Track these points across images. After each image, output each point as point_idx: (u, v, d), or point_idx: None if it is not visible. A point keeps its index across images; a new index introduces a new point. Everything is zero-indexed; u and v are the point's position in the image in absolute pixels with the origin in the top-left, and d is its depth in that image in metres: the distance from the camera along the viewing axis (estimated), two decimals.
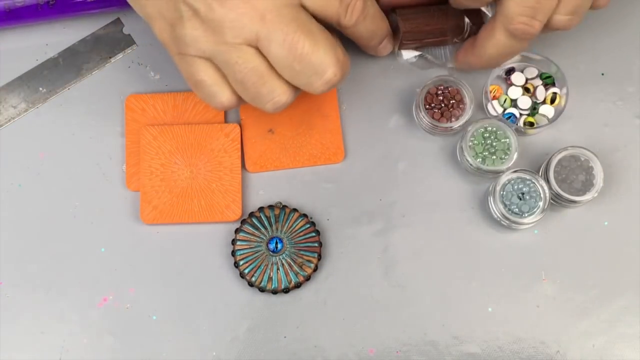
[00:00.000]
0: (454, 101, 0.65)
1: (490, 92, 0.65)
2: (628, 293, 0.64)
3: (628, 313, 0.63)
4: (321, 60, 0.53)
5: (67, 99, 0.67)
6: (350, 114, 0.67)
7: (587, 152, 0.63)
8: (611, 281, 0.64)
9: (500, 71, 0.66)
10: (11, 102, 0.67)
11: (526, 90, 0.66)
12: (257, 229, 0.64)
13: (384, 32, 0.61)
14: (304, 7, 0.54)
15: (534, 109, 0.66)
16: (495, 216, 0.63)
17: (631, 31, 0.68)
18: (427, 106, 0.65)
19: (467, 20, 0.63)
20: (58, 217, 0.65)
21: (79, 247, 0.64)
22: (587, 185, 0.63)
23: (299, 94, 0.57)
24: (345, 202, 0.65)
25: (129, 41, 0.68)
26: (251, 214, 0.64)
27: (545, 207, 0.62)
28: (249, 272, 0.63)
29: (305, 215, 0.64)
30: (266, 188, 0.66)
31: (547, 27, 0.57)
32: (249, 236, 0.64)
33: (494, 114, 0.65)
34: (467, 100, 0.65)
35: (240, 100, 0.57)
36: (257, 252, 0.63)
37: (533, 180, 0.63)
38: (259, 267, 0.63)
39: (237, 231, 0.64)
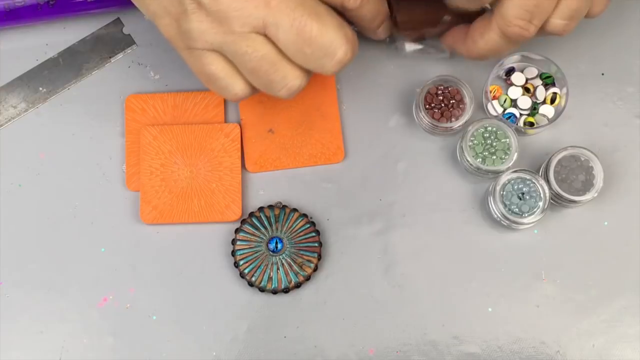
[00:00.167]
0: (454, 101, 0.65)
1: (490, 92, 0.65)
2: (628, 293, 0.64)
3: (628, 313, 0.63)
4: (331, 42, 0.53)
5: (67, 99, 0.67)
6: (350, 114, 0.67)
7: (587, 152, 0.63)
8: (611, 281, 0.64)
9: (500, 71, 0.66)
10: (11, 102, 0.67)
11: (526, 90, 0.66)
12: (257, 229, 0.64)
13: (385, 14, 0.61)
14: None
15: (534, 109, 0.66)
16: (495, 216, 0.63)
17: (631, 31, 0.68)
18: (427, 106, 0.65)
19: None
20: (58, 217, 0.65)
21: (79, 247, 0.64)
22: (587, 185, 0.63)
23: (312, 76, 0.56)
24: (345, 202, 0.65)
25: (129, 41, 0.68)
26: (251, 214, 0.64)
27: (545, 207, 0.62)
28: (249, 272, 0.63)
29: (305, 215, 0.64)
30: (266, 188, 0.66)
31: (542, 30, 0.57)
32: (249, 236, 0.64)
33: (494, 114, 0.65)
34: (467, 100, 0.65)
35: (254, 89, 0.56)
36: (257, 252, 0.63)
37: (533, 180, 0.63)
38: (259, 267, 0.63)
39: (237, 231, 0.64)
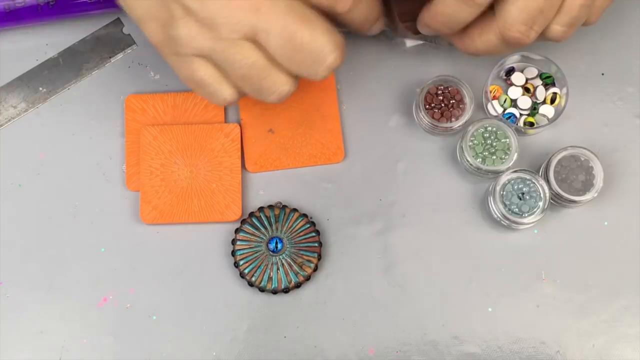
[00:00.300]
0: (454, 101, 0.65)
1: (490, 92, 0.65)
2: (628, 293, 0.64)
3: (628, 313, 0.63)
4: (322, 48, 0.52)
5: (67, 99, 0.67)
6: (350, 114, 0.67)
7: (587, 152, 0.63)
8: (611, 281, 0.64)
9: (500, 71, 0.66)
10: (11, 102, 0.67)
11: (526, 90, 0.66)
12: (257, 229, 0.64)
13: (377, 14, 0.59)
14: None
15: (534, 109, 0.66)
16: (495, 216, 0.63)
17: (631, 31, 0.68)
18: (427, 106, 0.65)
19: None
20: (58, 217, 0.65)
21: (79, 247, 0.64)
22: (587, 185, 0.63)
23: (300, 80, 0.56)
24: (345, 202, 0.65)
25: (129, 41, 0.68)
26: (251, 214, 0.64)
27: (545, 207, 0.62)
28: (249, 272, 0.63)
29: (305, 215, 0.64)
30: (266, 188, 0.66)
31: (541, 36, 0.57)
32: (249, 236, 0.64)
33: (494, 114, 0.65)
34: (467, 100, 0.65)
35: (242, 94, 0.56)
36: (257, 252, 0.63)
37: (533, 180, 0.63)
38: (259, 267, 0.63)
39: (237, 231, 0.64)
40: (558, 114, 0.65)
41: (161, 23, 0.53)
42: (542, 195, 0.62)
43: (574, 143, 0.64)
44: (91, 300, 0.64)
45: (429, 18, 0.58)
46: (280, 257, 0.63)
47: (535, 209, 0.62)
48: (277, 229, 0.64)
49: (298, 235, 0.64)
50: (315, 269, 0.63)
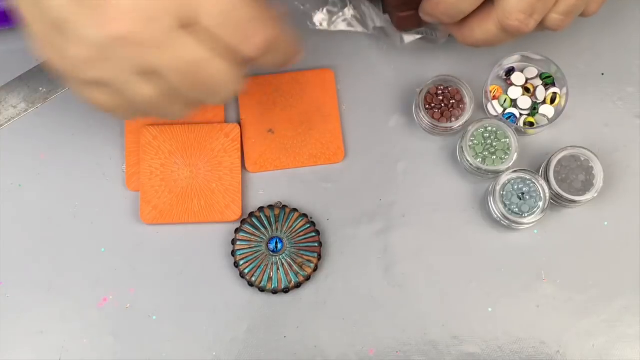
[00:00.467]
0: (454, 101, 0.65)
1: (490, 92, 0.65)
2: (628, 293, 0.64)
3: (628, 313, 0.63)
4: (219, 83, 0.49)
5: (67, 99, 0.67)
6: (350, 114, 0.67)
7: (587, 152, 0.63)
8: (611, 281, 0.64)
9: (500, 71, 0.66)
10: (11, 102, 0.67)
11: (526, 90, 0.66)
12: (257, 229, 0.64)
13: (295, 56, 0.53)
14: (199, 27, 0.47)
15: (534, 109, 0.66)
16: (495, 216, 0.63)
17: (631, 31, 0.68)
18: (427, 106, 0.65)
19: None
20: (58, 217, 0.65)
21: (79, 247, 0.64)
22: (587, 185, 0.63)
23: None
24: (345, 202, 0.65)
25: None
26: (251, 214, 0.64)
27: (545, 207, 0.62)
28: (249, 272, 0.63)
29: (305, 215, 0.64)
30: (266, 188, 0.66)
31: (540, 25, 0.57)
32: (249, 236, 0.64)
33: (494, 114, 0.65)
34: (467, 100, 0.65)
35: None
36: (257, 252, 0.63)
37: (533, 180, 0.63)
38: (259, 267, 0.63)
39: (237, 231, 0.64)
40: (558, 114, 0.65)
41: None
42: (542, 195, 0.62)
43: (574, 143, 0.64)
44: (91, 300, 0.64)
45: (430, 6, 0.58)
46: (280, 257, 0.63)
47: (535, 209, 0.62)
48: (277, 229, 0.64)
49: (298, 235, 0.64)
50: (315, 269, 0.63)
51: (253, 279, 0.63)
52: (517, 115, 0.66)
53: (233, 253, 0.63)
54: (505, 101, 0.66)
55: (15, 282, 0.64)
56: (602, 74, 0.67)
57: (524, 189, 0.63)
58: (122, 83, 0.49)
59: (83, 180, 0.66)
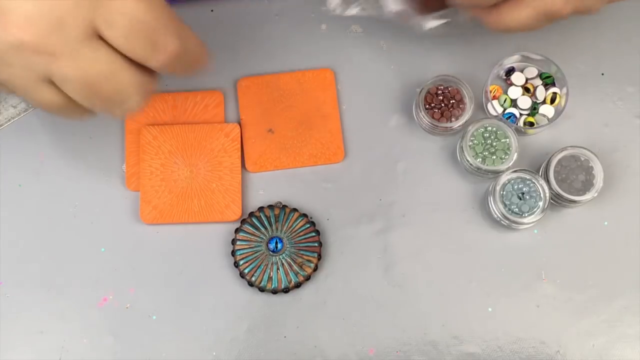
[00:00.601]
0: (454, 101, 0.65)
1: (490, 92, 0.65)
2: (628, 293, 0.64)
3: (628, 313, 0.63)
4: (123, 95, 0.49)
5: None
6: (350, 114, 0.67)
7: (587, 152, 0.63)
8: (611, 281, 0.64)
9: (500, 71, 0.66)
10: (11, 102, 0.67)
11: (526, 90, 0.66)
12: (257, 228, 0.64)
13: (203, 64, 0.53)
14: (104, 39, 0.47)
15: (534, 109, 0.66)
16: (495, 216, 0.63)
17: (631, 31, 0.68)
18: (427, 106, 0.65)
19: None
20: (58, 217, 0.65)
21: (79, 247, 0.64)
22: (587, 185, 0.63)
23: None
24: (345, 202, 0.65)
25: None
26: (251, 214, 0.64)
27: (545, 207, 0.62)
28: (249, 271, 0.63)
29: (305, 215, 0.64)
30: (266, 188, 0.66)
31: (575, 10, 0.55)
32: (249, 236, 0.64)
33: (494, 114, 0.65)
34: (467, 100, 0.65)
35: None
36: (257, 252, 0.63)
37: (533, 180, 0.63)
38: (259, 266, 0.63)
39: (237, 231, 0.64)
40: (558, 114, 0.65)
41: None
42: (542, 195, 0.62)
43: (574, 143, 0.64)
44: (91, 300, 0.64)
45: (493, 24, 0.56)
46: (280, 257, 0.63)
47: (535, 209, 0.62)
48: (277, 228, 0.64)
49: (298, 235, 0.64)
50: (315, 269, 0.63)
51: (253, 278, 0.63)
52: (517, 115, 0.66)
53: (233, 253, 0.63)
54: (505, 101, 0.66)
55: (15, 282, 0.64)
56: (602, 74, 0.67)
57: (524, 189, 0.63)
58: (24, 88, 0.48)
59: (83, 180, 0.66)
